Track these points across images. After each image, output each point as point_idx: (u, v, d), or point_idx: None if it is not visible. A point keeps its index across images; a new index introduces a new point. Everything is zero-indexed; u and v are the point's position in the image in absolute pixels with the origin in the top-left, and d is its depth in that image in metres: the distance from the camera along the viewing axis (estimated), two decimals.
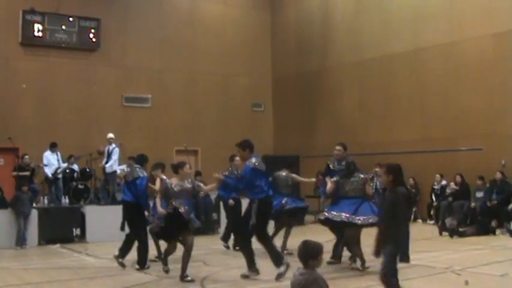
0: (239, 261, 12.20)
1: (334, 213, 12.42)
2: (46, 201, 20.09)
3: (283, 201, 14.43)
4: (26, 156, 20.23)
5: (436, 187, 21.66)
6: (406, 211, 8.85)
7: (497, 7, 20.69)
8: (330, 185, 12.78)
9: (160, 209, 11.67)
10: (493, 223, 18.33)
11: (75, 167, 21.25)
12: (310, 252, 6.01)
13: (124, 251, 13.08)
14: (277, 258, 11.38)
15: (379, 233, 8.36)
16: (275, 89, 29.87)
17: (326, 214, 12.63)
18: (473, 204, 19.79)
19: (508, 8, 20.40)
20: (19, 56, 24.24)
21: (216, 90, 28.29)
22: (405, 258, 12.34)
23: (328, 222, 12.69)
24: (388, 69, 24.16)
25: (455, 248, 15.34)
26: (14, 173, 19.55)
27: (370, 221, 12.04)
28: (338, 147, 13.08)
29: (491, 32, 20.77)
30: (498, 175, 19.48)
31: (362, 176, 12.74)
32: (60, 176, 20.25)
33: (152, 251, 13.47)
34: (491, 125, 20.59)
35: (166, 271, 11.92)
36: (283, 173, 14.96)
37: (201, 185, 12.60)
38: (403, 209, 8.50)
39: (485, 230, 18.07)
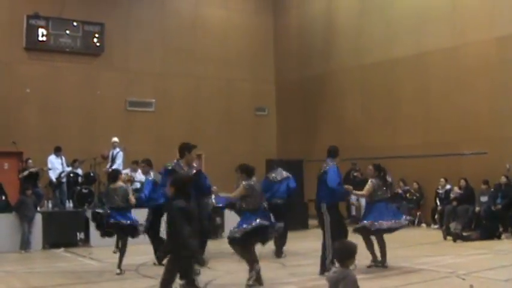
0: (243, 266, 12.18)
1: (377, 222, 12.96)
2: (50, 205, 20.13)
3: None
4: (30, 161, 20.27)
5: (440, 191, 21.60)
6: (183, 224, 8.17)
7: (500, 11, 20.67)
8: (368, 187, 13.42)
9: None
10: (500, 228, 18.31)
11: (79, 171, 21.28)
12: (347, 252, 6.45)
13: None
14: None
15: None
16: (278, 93, 29.88)
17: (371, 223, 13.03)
18: (477, 209, 19.76)
19: (511, 11, 20.37)
20: (23, 61, 24.28)
21: (219, 94, 28.31)
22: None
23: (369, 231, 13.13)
24: (391, 74, 24.13)
25: (459, 252, 15.31)
26: (20, 175, 19.62)
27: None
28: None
29: (495, 35, 20.75)
30: (503, 179, 19.45)
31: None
32: (64, 180, 20.28)
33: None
34: (496, 128, 20.56)
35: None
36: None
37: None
38: (180, 223, 8.23)
39: (490, 235, 18.00)
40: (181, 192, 8.55)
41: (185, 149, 11.91)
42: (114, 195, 13.23)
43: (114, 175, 13.80)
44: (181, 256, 8.28)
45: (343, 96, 26.23)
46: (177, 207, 8.34)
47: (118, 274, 13.02)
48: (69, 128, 24.46)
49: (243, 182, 11.66)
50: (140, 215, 14.16)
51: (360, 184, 15.98)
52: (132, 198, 13.45)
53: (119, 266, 13.14)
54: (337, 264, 6.57)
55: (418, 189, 22.49)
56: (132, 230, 13.26)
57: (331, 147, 13.04)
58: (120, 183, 13.49)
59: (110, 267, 13.70)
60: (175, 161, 12.07)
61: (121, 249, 13.33)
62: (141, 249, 14.43)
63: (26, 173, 19.58)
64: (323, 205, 12.27)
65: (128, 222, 13.17)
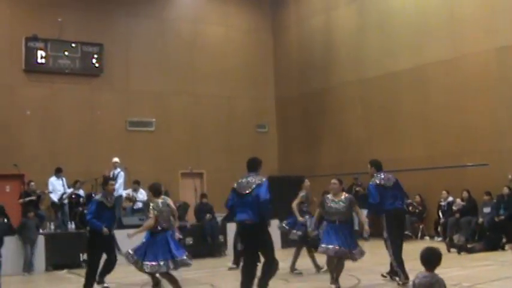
0: None
1: None
2: (52, 227, 20.06)
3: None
4: (32, 183, 20.25)
5: (442, 203, 21.58)
6: None
7: (499, 21, 20.69)
8: None
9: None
10: (504, 239, 18.26)
11: (81, 192, 21.24)
12: (436, 257, 6.60)
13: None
14: None
15: None
16: (278, 110, 29.89)
17: None
18: (480, 220, 19.71)
19: (510, 21, 20.40)
20: (23, 83, 24.33)
21: (220, 112, 28.32)
22: None
23: None
24: (391, 87, 24.15)
25: (463, 264, 15.26)
26: (21, 200, 19.56)
27: None
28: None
29: (494, 46, 20.77)
30: (505, 190, 19.42)
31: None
32: (66, 201, 20.25)
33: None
34: (497, 140, 20.55)
35: None
36: None
37: None
38: None
39: (494, 246, 17.97)
40: None
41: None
42: None
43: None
44: None
45: (344, 111, 26.23)
46: None
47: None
48: (69, 149, 24.46)
49: (151, 204, 11.40)
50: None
51: (361, 198, 15.93)
52: None
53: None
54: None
55: (420, 202, 22.47)
56: None
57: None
58: None
59: (115, 286, 13.65)
60: None
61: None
62: None
63: (26, 200, 19.51)
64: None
65: None
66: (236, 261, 15.66)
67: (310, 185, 15.62)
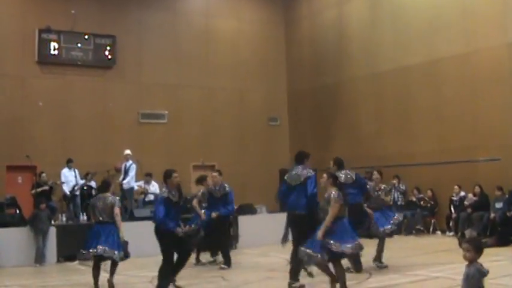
0: (258, 275, 12.15)
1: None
2: (64, 218, 20.12)
3: None
4: (43, 174, 20.34)
5: (454, 198, 21.51)
6: None
7: (511, 17, 20.60)
8: None
9: None
10: None
11: (93, 183, 21.31)
12: (481, 247, 6.98)
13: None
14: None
15: None
16: (291, 103, 29.86)
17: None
18: (492, 215, 19.63)
19: None
20: (35, 75, 24.39)
21: (232, 105, 28.32)
22: None
23: None
24: (403, 81, 24.08)
25: None
26: (33, 191, 19.63)
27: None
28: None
29: (507, 41, 20.67)
30: None
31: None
32: (77, 193, 20.32)
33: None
34: (510, 134, 20.44)
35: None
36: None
37: None
38: None
39: (506, 241, 17.91)
40: None
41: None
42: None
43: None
44: None
45: (356, 105, 26.18)
46: None
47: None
48: (81, 140, 24.52)
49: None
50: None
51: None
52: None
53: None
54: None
55: (432, 196, 22.41)
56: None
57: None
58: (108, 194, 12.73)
59: (124, 279, 13.67)
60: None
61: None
62: (156, 260, 14.37)
63: (38, 190, 19.58)
64: None
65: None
66: None
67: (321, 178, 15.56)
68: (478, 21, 21.58)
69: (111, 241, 12.22)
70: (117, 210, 12.37)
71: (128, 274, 13.87)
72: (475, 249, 6.87)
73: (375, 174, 14.13)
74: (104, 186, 12.87)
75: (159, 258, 12.79)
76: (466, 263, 6.96)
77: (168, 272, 11.52)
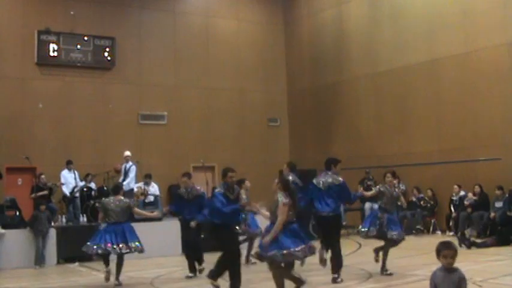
0: (259, 276, 12.13)
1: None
2: (64, 220, 20.13)
3: None
4: (43, 176, 20.29)
5: (454, 198, 21.51)
6: None
7: (511, 16, 20.61)
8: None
9: None
10: None
11: (93, 185, 21.30)
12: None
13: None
14: None
15: None
16: (291, 103, 29.86)
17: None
18: (492, 215, 19.64)
19: None
20: (35, 76, 24.38)
21: (232, 105, 28.30)
22: None
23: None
24: (403, 81, 24.08)
25: (475, 259, 15.19)
26: (33, 195, 19.61)
27: None
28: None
29: (507, 41, 20.69)
30: None
31: None
32: (77, 194, 20.30)
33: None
34: (510, 134, 20.45)
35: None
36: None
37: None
38: None
39: (506, 241, 17.90)
40: None
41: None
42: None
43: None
44: None
45: (356, 105, 26.18)
46: None
47: (117, 285, 13.18)
48: (81, 142, 24.52)
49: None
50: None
51: None
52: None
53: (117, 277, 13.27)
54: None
55: (432, 196, 22.42)
56: None
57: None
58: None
59: (126, 280, 13.67)
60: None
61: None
62: (157, 262, 14.40)
63: (38, 194, 19.54)
64: None
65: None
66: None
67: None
68: (478, 21, 21.59)
69: (128, 236, 13.09)
70: (136, 210, 14.09)
71: (128, 275, 13.85)
72: (456, 254, 6.69)
73: (388, 177, 13.76)
74: (116, 190, 13.69)
75: (159, 258, 12.88)
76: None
77: (227, 263, 11.31)
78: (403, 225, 17.74)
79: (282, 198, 10.15)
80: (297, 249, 10.04)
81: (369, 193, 14.26)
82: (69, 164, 20.80)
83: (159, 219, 18.10)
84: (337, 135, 26.92)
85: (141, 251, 13.21)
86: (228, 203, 11.22)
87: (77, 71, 25.06)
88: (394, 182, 14.01)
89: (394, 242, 13.15)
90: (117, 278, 13.16)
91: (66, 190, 20.39)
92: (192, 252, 14.15)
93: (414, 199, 22.52)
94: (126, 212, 13.32)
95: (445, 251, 6.66)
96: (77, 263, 17.21)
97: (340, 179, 12.64)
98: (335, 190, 12.52)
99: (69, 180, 20.54)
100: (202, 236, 14.29)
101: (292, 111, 29.75)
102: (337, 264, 12.36)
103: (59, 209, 20.71)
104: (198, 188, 14.80)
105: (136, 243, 13.11)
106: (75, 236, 18.02)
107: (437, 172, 22.46)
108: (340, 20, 27.28)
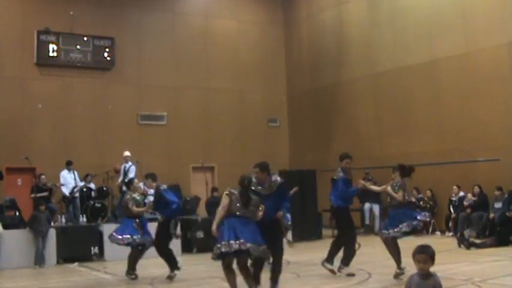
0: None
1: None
2: (64, 220, 20.10)
3: None
4: (43, 176, 20.31)
5: (453, 199, 21.53)
6: None
7: (511, 16, 20.61)
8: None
9: None
10: None
11: (92, 185, 21.31)
12: (434, 255, 6.56)
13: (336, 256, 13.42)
14: None
15: None
16: (290, 104, 29.86)
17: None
18: (492, 215, 19.64)
19: None
20: (34, 76, 24.38)
21: (231, 106, 28.30)
22: None
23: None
24: (403, 82, 24.08)
25: (474, 259, 15.21)
26: (32, 195, 19.60)
27: None
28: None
29: (506, 41, 20.68)
30: None
31: None
32: (77, 194, 20.31)
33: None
34: (509, 135, 20.46)
35: None
36: None
37: None
38: None
39: (505, 241, 17.92)
40: None
41: None
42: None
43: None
44: None
45: (355, 106, 26.19)
46: None
47: (133, 279, 13.63)
48: (81, 142, 24.51)
49: None
50: None
51: (371, 193, 16.07)
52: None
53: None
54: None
55: (431, 197, 22.43)
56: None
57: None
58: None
59: (125, 280, 13.69)
60: None
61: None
62: (158, 262, 14.40)
63: (38, 195, 19.53)
64: None
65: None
66: None
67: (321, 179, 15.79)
68: (477, 22, 21.60)
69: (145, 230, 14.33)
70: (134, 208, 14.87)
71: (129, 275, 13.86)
72: (431, 259, 6.40)
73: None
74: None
75: (159, 258, 12.89)
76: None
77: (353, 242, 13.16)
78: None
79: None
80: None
81: (378, 188, 14.13)
82: (68, 165, 20.81)
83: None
84: (337, 136, 26.92)
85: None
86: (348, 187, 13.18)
87: (76, 71, 25.06)
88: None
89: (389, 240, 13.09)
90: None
91: (66, 190, 20.40)
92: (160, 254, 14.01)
93: (413, 199, 22.50)
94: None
95: (417, 255, 6.42)
96: (76, 263, 17.21)
97: (340, 174, 13.29)
98: (334, 184, 13.38)
99: (68, 181, 20.55)
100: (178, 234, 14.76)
101: (292, 112, 29.75)
102: (344, 256, 13.00)
103: (58, 209, 20.72)
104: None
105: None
106: (75, 237, 18.09)
107: (437, 173, 22.47)
108: (339, 21, 27.28)
